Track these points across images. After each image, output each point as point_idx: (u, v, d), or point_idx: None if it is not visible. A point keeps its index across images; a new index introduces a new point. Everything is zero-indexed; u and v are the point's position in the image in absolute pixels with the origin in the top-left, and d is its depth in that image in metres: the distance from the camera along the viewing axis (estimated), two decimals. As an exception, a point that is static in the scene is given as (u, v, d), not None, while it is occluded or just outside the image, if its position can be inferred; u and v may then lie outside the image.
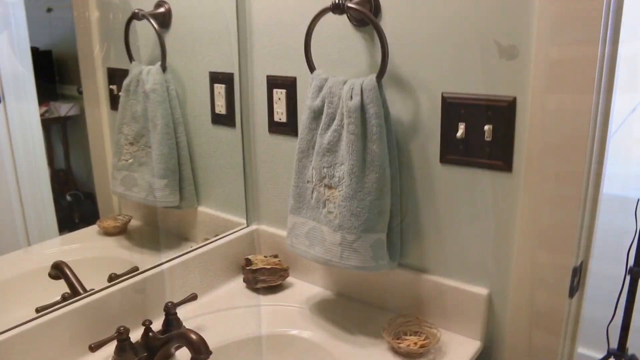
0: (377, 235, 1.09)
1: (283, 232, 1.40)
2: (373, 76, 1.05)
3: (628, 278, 1.70)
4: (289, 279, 1.38)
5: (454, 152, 1.08)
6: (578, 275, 1.03)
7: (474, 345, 1.11)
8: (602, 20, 0.86)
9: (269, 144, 1.38)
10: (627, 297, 1.70)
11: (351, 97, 1.07)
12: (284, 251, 1.39)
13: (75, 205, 1.17)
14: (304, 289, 1.34)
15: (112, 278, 1.17)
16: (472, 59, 1.02)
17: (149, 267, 1.22)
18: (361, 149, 1.06)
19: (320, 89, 1.12)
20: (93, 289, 1.12)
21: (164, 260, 1.26)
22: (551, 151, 0.96)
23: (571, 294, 1.02)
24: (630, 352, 1.76)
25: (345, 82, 1.10)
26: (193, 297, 1.18)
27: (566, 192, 0.96)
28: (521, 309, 1.06)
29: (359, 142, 1.06)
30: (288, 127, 1.32)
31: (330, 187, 1.11)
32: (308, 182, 1.15)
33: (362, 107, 1.06)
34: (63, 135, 1.14)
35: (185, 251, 1.30)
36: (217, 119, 1.38)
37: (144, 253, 1.28)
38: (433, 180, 1.12)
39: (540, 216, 0.99)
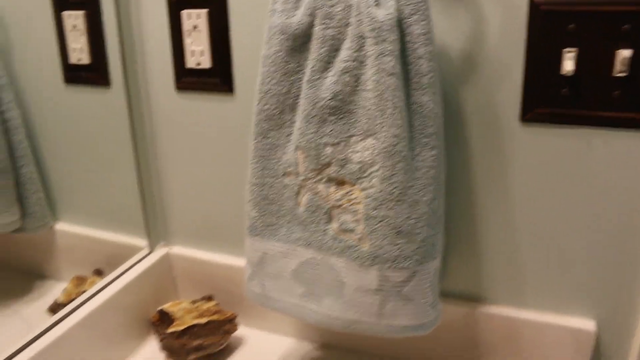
0: (436, 262, 0.60)
1: (213, 256, 0.84)
2: (417, -38, 0.54)
3: None
4: (238, 331, 0.84)
5: (552, 101, 0.61)
6: None
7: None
8: None
9: (178, 108, 0.79)
10: None
11: (376, 2, 0.54)
12: (220, 286, 0.84)
13: None
14: (266, 347, 0.81)
15: None
16: None
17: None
18: (405, 103, 0.55)
19: (302, -9, 0.58)
20: None
21: (23, 344, 0.66)
22: None
23: None
24: None
25: (355, -23, 0.57)
26: None
27: None
28: (657, 348, 0.65)
29: (401, 91, 0.54)
30: (215, 77, 0.75)
31: (342, 183, 0.58)
32: (286, 174, 0.61)
33: (400, 24, 0.54)
34: None
35: (58, 317, 0.71)
36: (74, 75, 0.76)
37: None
38: (505, 152, 0.65)
39: None
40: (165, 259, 0.86)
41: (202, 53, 0.74)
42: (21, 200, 0.72)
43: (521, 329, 0.70)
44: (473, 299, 0.72)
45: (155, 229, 0.87)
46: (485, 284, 0.71)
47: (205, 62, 0.74)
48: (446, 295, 0.73)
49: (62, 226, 0.76)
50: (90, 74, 0.78)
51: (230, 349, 0.80)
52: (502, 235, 0.68)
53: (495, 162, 0.66)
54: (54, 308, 0.73)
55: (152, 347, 0.81)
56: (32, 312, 0.70)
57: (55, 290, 0.74)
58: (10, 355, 0.64)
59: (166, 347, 0.77)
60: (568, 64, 0.59)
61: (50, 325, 0.70)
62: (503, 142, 0.64)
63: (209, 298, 0.81)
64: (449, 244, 0.70)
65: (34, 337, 0.68)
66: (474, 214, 0.68)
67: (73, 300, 0.75)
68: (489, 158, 0.66)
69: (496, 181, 0.66)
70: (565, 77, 0.60)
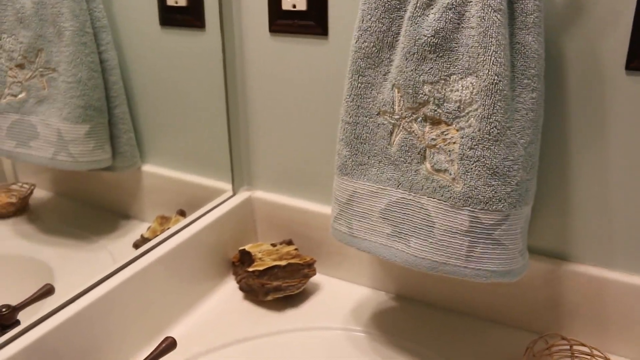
0: (528, 208, 0.59)
1: (294, 201, 0.85)
2: None
3: None
4: (314, 277, 0.85)
5: (662, 49, 0.59)
6: None
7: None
8: None
9: (271, 51, 0.81)
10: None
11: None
12: (299, 231, 0.85)
13: None
14: (341, 294, 0.82)
15: (7, 319, 0.59)
16: None
17: (75, 286, 0.65)
18: (508, 42, 0.54)
19: None
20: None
21: (109, 273, 0.69)
22: None
23: None
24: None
25: None
26: (170, 344, 0.62)
27: None
28: None
29: (506, 29, 0.53)
30: (310, 19, 0.76)
31: (438, 122, 0.58)
32: (380, 113, 0.62)
33: (509, -40, 0.53)
34: None
35: (142, 251, 0.74)
36: (170, 17, 0.78)
37: (63, 246, 0.70)
38: (606, 102, 0.63)
39: None
40: (248, 202, 0.88)
41: (298, -4, 0.75)
42: (112, 139, 0.75)
43: (607, 289, 0.68)
44: (558, 255, 0.71)
45: (239, 172, 0.89)
46: (572, 241, 0.69)
47: (301, 4, 0.75)
48: (529, 250, 0.72)
49: (148, 167, 0.79)
50: (186, 16, 0.80)
51: (306, 293, 0.81)
52: (596, 191, 0.66)
53: (595, 112, 0.63)
54: (139, 244, 0.76)
55: (230, 286, 0.84)
56: (117, 247, 0.73)
57: (139, 230, 0.76)
58: (95, 283, 0.67)
59: (245, 287, 0.80)
60: (685, 10, 0.56)
61: (134, 258, 0.72)
62: (604, 91, 0.62)
63: (289, 242, 0.83)
64: (537, 196, 0.69)
65: (118, 268, 0.70)
66: (568, 166, 0.66)
67: (157, 236, 0.78)
68: (588, 107, 0.64)
69: (594, 132, 0.64)
70: (681, 24, 0.57)
